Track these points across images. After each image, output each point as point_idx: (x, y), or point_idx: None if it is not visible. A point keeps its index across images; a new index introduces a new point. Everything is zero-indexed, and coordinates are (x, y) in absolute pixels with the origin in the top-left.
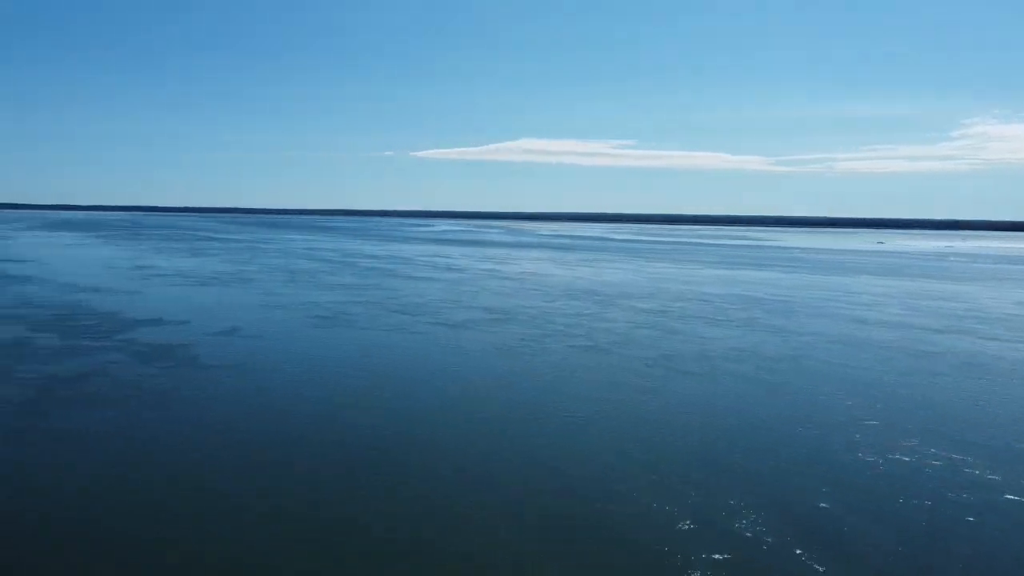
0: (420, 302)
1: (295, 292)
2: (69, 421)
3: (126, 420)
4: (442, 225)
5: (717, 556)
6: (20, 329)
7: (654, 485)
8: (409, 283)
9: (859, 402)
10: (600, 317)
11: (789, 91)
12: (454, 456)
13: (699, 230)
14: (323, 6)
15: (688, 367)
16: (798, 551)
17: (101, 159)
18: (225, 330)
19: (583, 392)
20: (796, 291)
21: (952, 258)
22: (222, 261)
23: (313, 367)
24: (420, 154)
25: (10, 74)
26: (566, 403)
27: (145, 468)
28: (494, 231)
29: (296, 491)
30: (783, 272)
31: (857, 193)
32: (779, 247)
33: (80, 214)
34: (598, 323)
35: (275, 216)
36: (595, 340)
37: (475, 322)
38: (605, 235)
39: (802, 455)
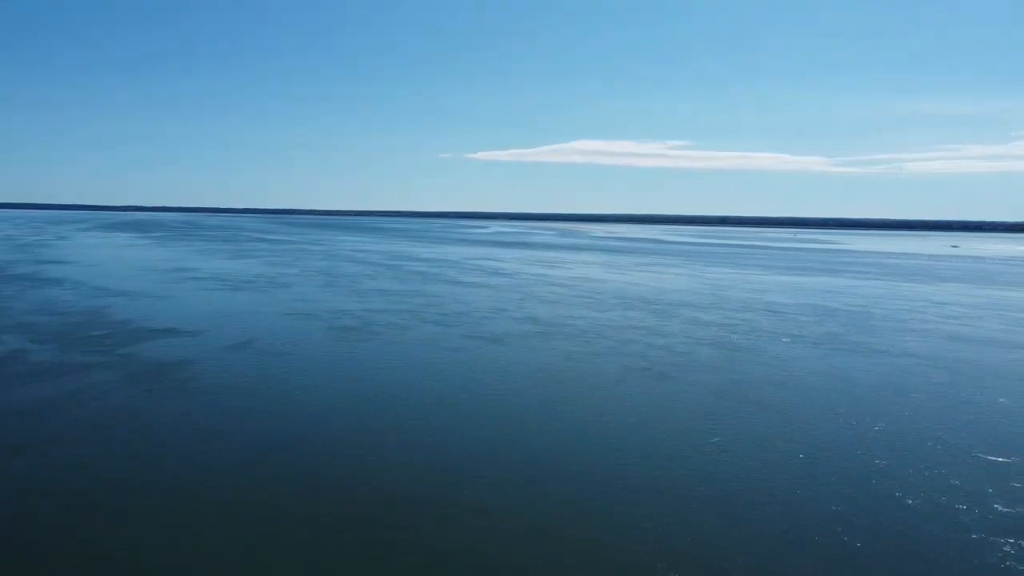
0: (460, 310)
1: (328, 298)
2: (14, 464)
3: (81, 468)
4: (495, 227)
5: None
6: (19, 340)
7: None
8: (452, 288)
9: (994, 449)
10: (657, 331)
11: (850, 89)
12: (475, 522)
13: (762, 233)
14: (384, 14)
15: (763, 397)
16: None
17: (160, 160)
18: (237, 344)
19: (639, 435)
20: (875, 301)
21: None
22: (264, 264)
23: (319, 396)
24: (476, 156)
25: (95, 79)
26: (619, 456)
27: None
28: (547, 233)
29: (290, 540)
30: (857, 279)
31: (925, 194)
32: (847, 251)
33: (143, 215)
34: (655, 339)
35: (330, 217)
36: (652, 361)
37: (517, 336)
38: (660, 237)
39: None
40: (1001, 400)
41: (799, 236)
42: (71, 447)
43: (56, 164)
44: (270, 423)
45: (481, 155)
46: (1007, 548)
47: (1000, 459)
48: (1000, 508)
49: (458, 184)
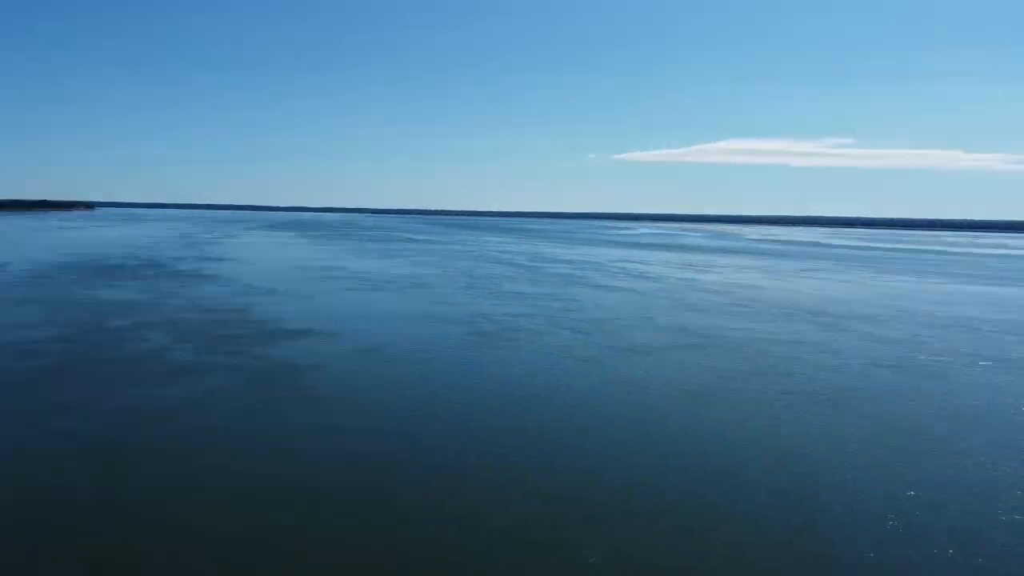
0: (600, 317)
1: (466, 301)
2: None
3: (188, 476)
4: (642, 228)
5: None
6: (163, 337)
7: None
8: (593, 293)
9: None
10: (825, 348)
11: None
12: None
13: (938, 236)
14: (523, 14)
15: (974, 444)
16: None
17: (322, 165)
18: (369, 347)
19: (805, 489)
20: None
21: None
22: (409, 263)
23: (443, 406)
24: (623, 157)
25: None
26: (774, 518)
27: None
28: (696, 235)
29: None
30: None
31: None
32: None
33: (307, 215)
34: (823, 358)
35: (474, 218)
36: (820, 386)
37: (662, 348)
38: (821, 240)
39: None
40: None
41: (979, 241)
42: (195, 448)
43: (231, 169)
44: (409, 423)
45: (629, 156)
46: None
47: None
48: None
49: (604, 185)
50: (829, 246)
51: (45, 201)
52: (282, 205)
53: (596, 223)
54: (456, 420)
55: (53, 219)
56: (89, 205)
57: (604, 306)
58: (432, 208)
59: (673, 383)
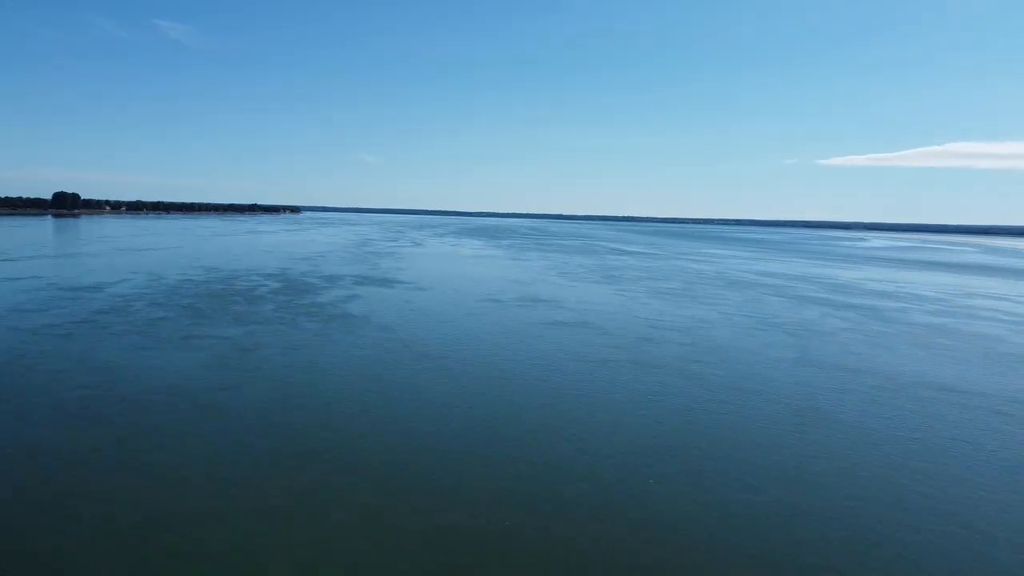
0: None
1: (795, 376)
2: None
3: None
4: (874, 240)
5: None
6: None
7: None
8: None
9: None
10: None
11: None
12: None
13: None
14: (716, 10)
15: None
16: None
17: (505, 171)
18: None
19: None
20: None
21: None
22: (652, 294)
23: None
24: (829, 162)
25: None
26: None
27: None
28: (955, 248)
29: None
30: None
31: None
32: None
33: (491, 220)
34: None
35: (670, 224)
36: None
37: None
38: None
39: None
40: None
41: None
42: None
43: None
44: None
45: (836, 161)
46: None
47: None
48: None
49: (804, 191)
50: None
51: (256, 205)
52: (469, 211)
53: (800, 232)
54: None
55: (279, 222)
56: (295, 209)
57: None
58: (614, 215)
59: None
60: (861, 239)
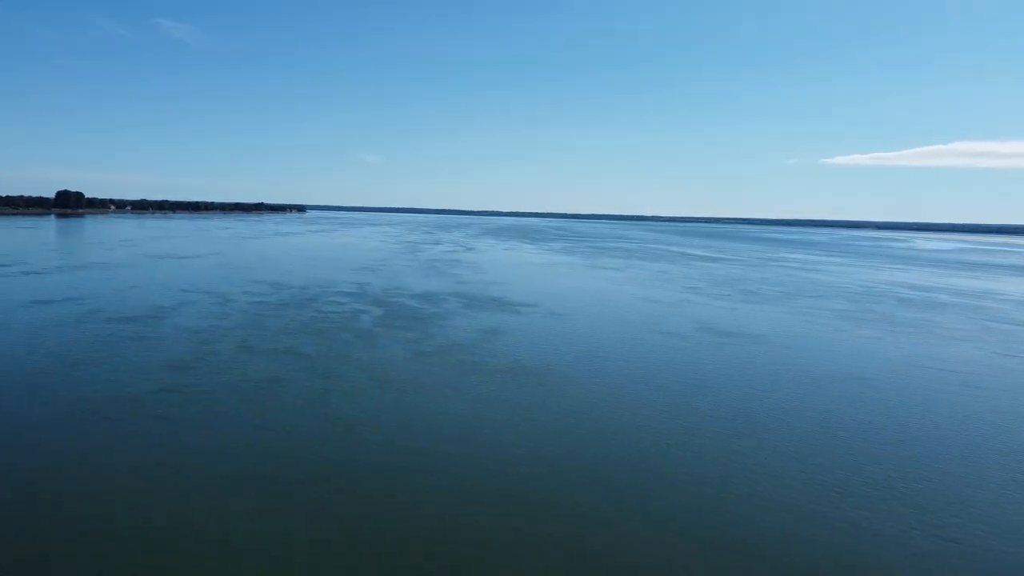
0: None
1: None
2: None
3: None
4: (919, 241)
5: None
6: None
7: None
8: None
9: None
10: None
11: None
12: None
13: None
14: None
15: None
16: None
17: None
18: None
19: None
20: None
21: None
22: (860, 324)
23: None
24: (832, 161)
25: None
26: None
27: None
28: (1006, 249)
29: None
30: None
31: None
32: None
33: (510, 219)
34: None
35: (677, 223)
36: None
37: None
38: None
39: None
40: None
41: None
42: None
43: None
44: None
45: (839, 160)
46: None
47: None
48: None
49: (806, 191)
50: None
51: (262, 204)
52: (488, 210)
53: (807, 230)
54: None
55: (293, 222)
56: (301, 208)
57: None
58: (623, 214)
59: None
60: (905, 240)
